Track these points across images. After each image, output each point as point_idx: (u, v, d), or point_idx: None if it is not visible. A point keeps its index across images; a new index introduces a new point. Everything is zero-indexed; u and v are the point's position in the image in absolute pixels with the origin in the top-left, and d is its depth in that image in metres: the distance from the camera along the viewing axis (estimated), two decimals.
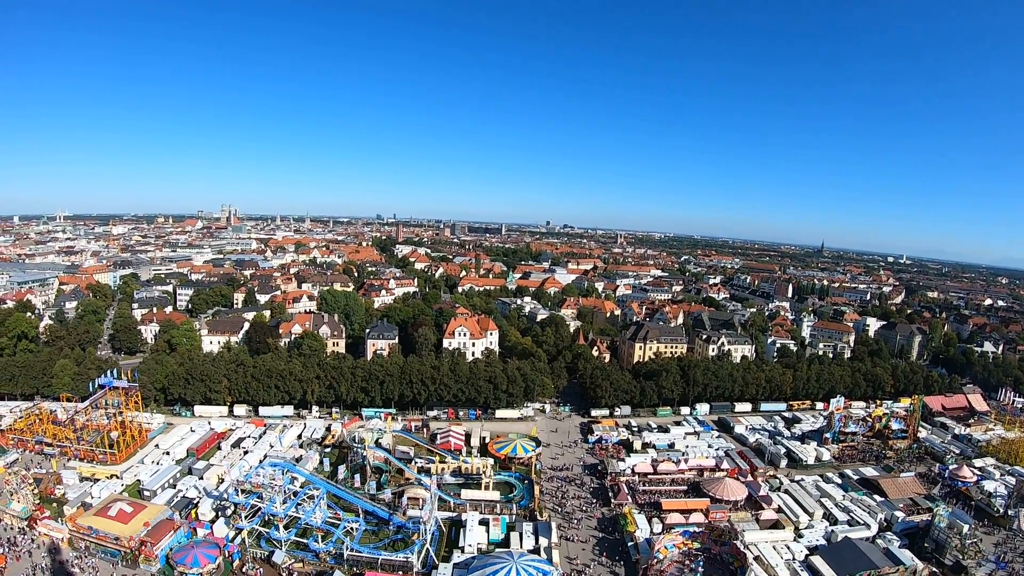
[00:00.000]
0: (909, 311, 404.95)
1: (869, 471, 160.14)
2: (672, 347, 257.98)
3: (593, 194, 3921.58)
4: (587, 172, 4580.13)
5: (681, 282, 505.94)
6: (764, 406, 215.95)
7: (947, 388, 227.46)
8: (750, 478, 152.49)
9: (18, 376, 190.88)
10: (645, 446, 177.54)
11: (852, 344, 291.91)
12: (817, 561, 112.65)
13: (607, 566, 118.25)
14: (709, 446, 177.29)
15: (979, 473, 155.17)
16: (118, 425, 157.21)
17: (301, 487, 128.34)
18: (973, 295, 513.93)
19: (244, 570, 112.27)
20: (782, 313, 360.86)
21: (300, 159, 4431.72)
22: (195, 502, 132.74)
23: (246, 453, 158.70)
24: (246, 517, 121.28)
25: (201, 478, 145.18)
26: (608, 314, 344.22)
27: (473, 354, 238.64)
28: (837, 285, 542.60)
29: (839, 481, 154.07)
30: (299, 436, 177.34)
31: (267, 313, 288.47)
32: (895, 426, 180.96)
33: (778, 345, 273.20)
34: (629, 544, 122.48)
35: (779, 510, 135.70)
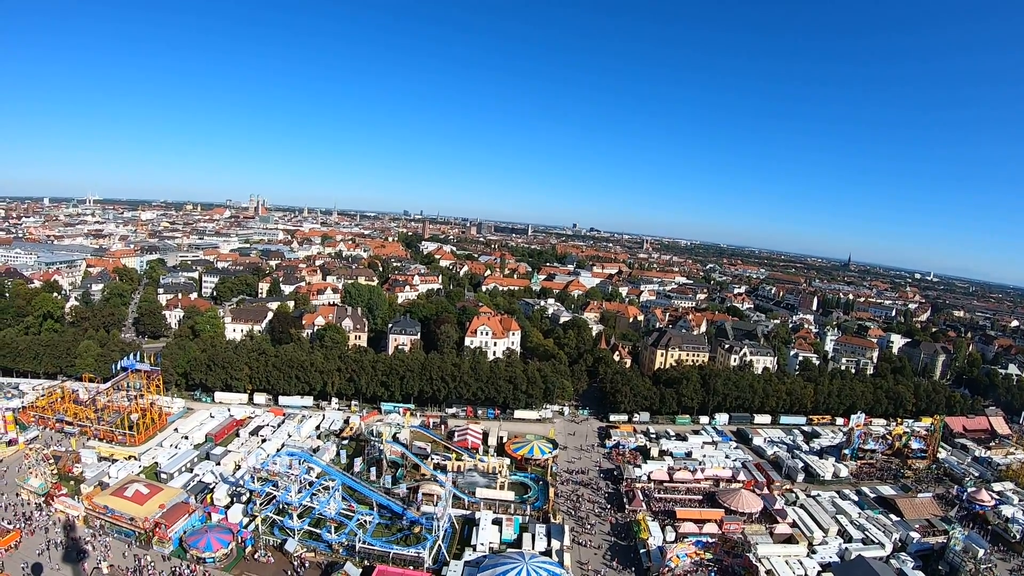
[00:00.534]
0: (934, 329, 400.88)
1: (886, 490, 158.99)
2: (694, 355, 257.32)
3: (620, 198, 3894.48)
4: (615, 176, 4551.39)
5: (705, 290, 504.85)
6: (784, 419, 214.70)
7: (969, 409, 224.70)
8: (766, 491, 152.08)
9: (42, 355, 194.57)
10: (662, 453, 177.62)
11: (875, 360, 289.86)
12: None
13: (618, 572, 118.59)
14: (726, 456, 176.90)
15: (997, 497, 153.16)
16: (138, 407, 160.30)
17: (317, 477, 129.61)
18: (1000, 316, 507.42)
19: (256, 557, 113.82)
20: (806, 326, 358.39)
21: (329, 153, 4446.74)
22: (211, 487, 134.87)
23: (264, 441, 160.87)
24: (261, 504, 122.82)
25: (218, 464, 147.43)
26: (631, 319, 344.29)
27: (494, 353, 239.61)
28: (862, 300, 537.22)
29: (855, 498, 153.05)
30: (317, 427, 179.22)
31: (291, 304, 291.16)
32: (915, 445, 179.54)
33: (800, 358, 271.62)
34: (641, 551, 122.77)
35: (794, 525, 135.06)
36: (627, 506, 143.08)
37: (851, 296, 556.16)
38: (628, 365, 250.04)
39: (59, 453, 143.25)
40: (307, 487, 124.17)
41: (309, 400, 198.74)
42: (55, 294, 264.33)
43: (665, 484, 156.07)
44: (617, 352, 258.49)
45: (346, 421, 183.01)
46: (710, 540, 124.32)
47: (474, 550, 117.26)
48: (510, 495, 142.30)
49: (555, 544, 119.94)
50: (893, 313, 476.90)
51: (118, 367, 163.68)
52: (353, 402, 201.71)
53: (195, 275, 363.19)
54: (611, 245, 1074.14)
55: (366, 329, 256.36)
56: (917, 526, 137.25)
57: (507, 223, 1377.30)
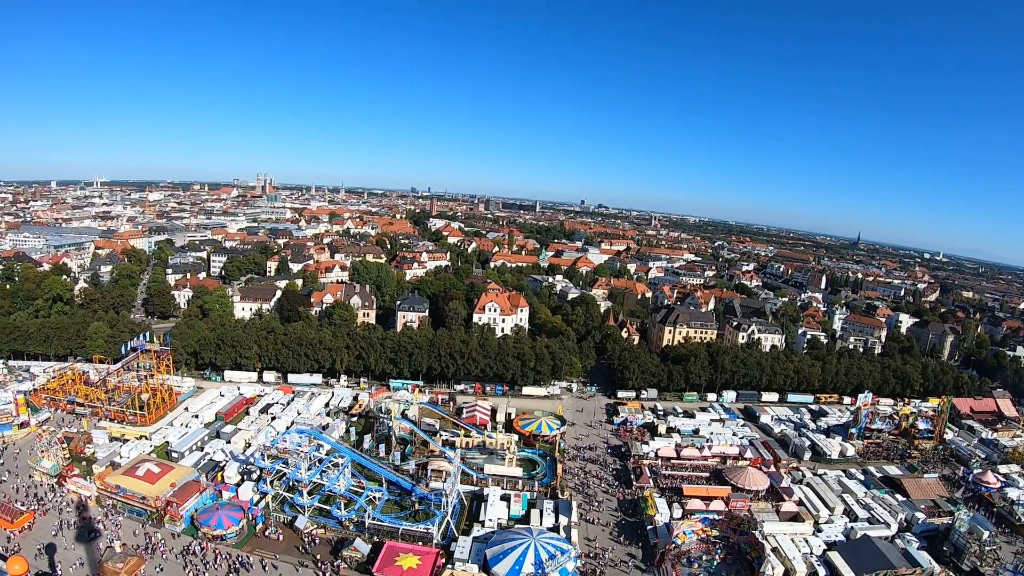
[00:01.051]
0: (943, 310, 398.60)
1: (892, 470, 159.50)
2: (702, 332, 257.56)
3: (629, 175, 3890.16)
4: (624, 153, 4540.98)
5: (714, 267, 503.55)
6: (791, 397, 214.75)
7: (977, 391, 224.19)
8: (773, 469, 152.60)
9: (52, 337, 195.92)
10: (670, 430, 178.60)
11: (883, 340, 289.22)
12: (834, 557, 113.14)
13: (625, 548, 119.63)
14: (734, 434, 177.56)
15: (1003, 480, 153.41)
16: (149, 387, 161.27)
17: (326, 455, 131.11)
18: (1009, 297, 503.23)
19: (267, 533, 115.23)
20: (814, 304, 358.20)
21: (336, 131, 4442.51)
22: (221, 465, 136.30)
23: (274, 419, 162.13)
24: (271, 482, 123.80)
25: (228, 442, 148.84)
26: (639, 296, 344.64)
27: (502, 330, 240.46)
28: (871, 279, 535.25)
29: (862, 478, 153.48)
30: (327, 404, 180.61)
31: (299, 282, 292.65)
32: (922, 426, 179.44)
33: (808, 336, 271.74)
34: (648, 527, 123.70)
35: (800, 503, 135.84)
36: (634, 483, 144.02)
37: (860, 275, 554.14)
38: (636, 342, 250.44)
39: (71, 434, 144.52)
40: (317, 464, 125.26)
41: (318, 378, 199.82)
42: (64, 277, 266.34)
43: (672, 461, 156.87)
44: (625, 329, 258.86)
45: (355, 398, 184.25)
46: (717, 517, 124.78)
47: (483, 526, 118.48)
48: (518, 471, 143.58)
49: (563, 520, 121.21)
50: (902, 293, 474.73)
51: (128, 348, 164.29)
52: (362, 379, 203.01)
53: (203, 255, 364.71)
54: (619, 222, 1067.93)
55: (374, 306, 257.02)
56: (923, 507, 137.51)
57: (515, 200, 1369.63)
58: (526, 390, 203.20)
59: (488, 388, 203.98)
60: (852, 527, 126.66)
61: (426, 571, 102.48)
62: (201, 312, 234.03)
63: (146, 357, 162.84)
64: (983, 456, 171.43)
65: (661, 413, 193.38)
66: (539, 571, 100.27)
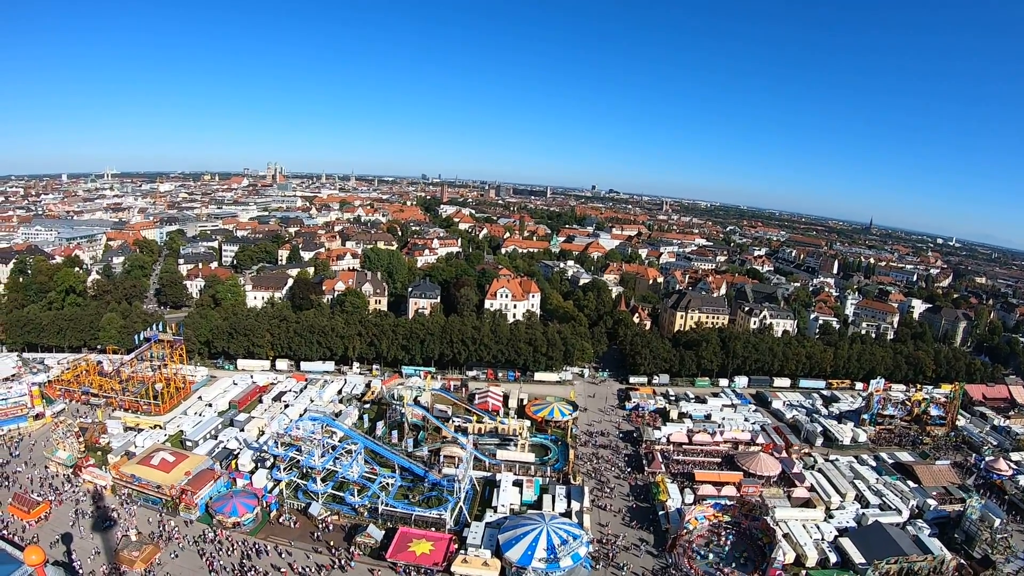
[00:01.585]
0: (955, 295, 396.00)
1: (904, 456, 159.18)
2: (713, 317, 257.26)
3: (639, 160, 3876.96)
4: (634, 138, 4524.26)
5: (725, 252, 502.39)
6: (803, 383, 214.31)
7: (989, 377, 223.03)
8: (784, 454, 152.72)
9: (66, 329, 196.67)
10: (681, 416, 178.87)
11: (896, 325, 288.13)
12: (846, 543, 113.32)
13: (637, 533, 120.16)
14: (745, 419, 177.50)
15: (1015, 467, 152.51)
16: (162, 377, 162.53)
17: (340, 441, 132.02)
18: (1022, 284, 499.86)
19: (281, 520, 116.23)
20: (826, 289, 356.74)
21: (346, 118, 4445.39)
22: (235, 453, 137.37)
23: (287, 407, 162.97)
24: (285, 469, 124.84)
25: (242, 430, 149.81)
26: (651, 281, 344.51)
27: (514, 316, 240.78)
28: (884, 264, 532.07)
29: (873, 464, 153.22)
30: (339, 391, 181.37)
31: (311, 270, 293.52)
32: (934, 412, 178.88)
33: (820, 322, 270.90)
34: (660, 513, 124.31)
35: (811, 489, 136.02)
36: (646, 468, 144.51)
37: (872, 260, 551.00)
38: (648, 327, 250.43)
39: (86, 425, 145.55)
40: (330, 451, 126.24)
41: (331, 365, 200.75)
42: (76, 269, 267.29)
43: (684, 446, 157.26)
44: (637, 314, 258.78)
45: (367, 385, 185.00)
46: (728, 503, 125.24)
47: (495, 511, 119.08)
48: (530, 457, 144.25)
49: (575, 505, 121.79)
50: (914, 278, 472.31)
51: (141, 338, 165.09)
52: (374, 366, 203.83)
53: (215, 244, 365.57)
54: (630, 207, 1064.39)
55: (386, 293, 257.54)
56: (934, 493, 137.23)
57: (526, 185, 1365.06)
58: (538, 376, 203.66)
59: (500, 374, 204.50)
60: (863, 513, 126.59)
61: (439, 556, 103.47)
62: (213, 301, 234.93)
63: (159, 347, 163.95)
64: (995, 443, 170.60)
65: (673, 398, 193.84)
66: (551, 556, 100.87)
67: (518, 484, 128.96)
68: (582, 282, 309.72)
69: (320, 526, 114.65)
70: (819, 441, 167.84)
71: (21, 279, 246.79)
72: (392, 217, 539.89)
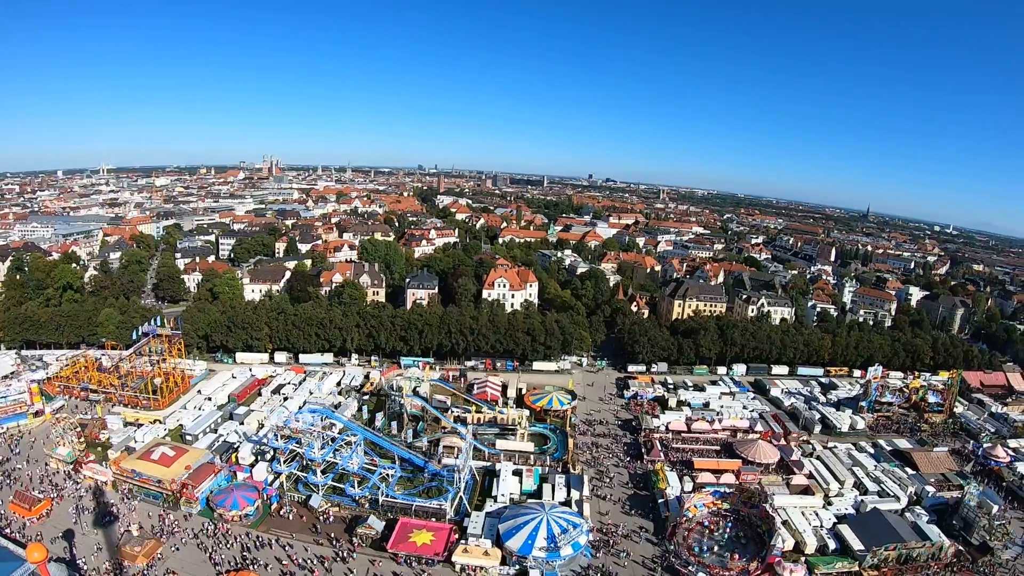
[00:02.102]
0: (953, 283, 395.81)
1: (903, 443, 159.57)
2: (711, 306, 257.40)
3: (636, 149, 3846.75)
4: (631, 127, 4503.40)
5: (723, 240, 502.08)
6: (801, 370, 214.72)
7: (987, 364, 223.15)
8: (783, 442, 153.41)
9: (64, 325, 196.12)
10: (680, 404, 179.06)
11: (893, 313, 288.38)
12: (844, 530, 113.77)
13: (637, 521, 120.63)
14: (744, 407, 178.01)
15: (1013, 454, 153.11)
16: (161, 372, 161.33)
17: (339, 433, 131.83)
18: (1019, 271, 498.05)
19: (282, 513, 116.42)
20: (824, 277, 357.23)
21: (341, 110, 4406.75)
22: (235, 446, 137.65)
23: (286, 399, 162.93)
24: (285, 462, 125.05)
25: (241, 423, 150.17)
26: (648, 270, 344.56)
27: (512, 305, 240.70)
28: (881, 252, 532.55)
29: (872, 451, 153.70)
30: (338, 383, 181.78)
31: (308, 262, 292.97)
32: (932, 399, 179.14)
33: (818, 309, 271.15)
34: (659, 501, 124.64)
35: (810, 476, 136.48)
36: (645, 456, 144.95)
37: (870, 247, 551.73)
38: (646, 316, 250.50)
39: (85, 421, 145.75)
40: (330, 443, 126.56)
41: (329, 357, 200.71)
42: (73, 265, 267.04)
43: (683, 434, 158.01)
44: (635, 303, 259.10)
45: (366, 377, 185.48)
46: (727, 490, 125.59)
47: (495, 501, 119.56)
48: (530, 446, 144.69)
49: (575, 494, 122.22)
50: (912, 265, 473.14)
51: (139, 333, 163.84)
52: (373, 358, 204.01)
53: (212, 238, 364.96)
54: (627, 195, 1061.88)
55: (384, 285, 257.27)
56: (932, 480, 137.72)
57: (522, 175, 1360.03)
58: (536, 365, 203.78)
59: (498, 364, 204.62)
60: (862, 500, 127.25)
61: (440, 547, 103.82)
62: (211, 295, 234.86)
63: (158, 342, 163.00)
64: (993, 430, 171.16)
65: (671, 387, 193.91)
66: (552, 545, 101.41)
67: (518, 473, 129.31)
68: (580, 271, 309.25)
69: (321, 518, 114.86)
70: (817, 428, 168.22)
71: (18, 276, 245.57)
72: (389, 208, 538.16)
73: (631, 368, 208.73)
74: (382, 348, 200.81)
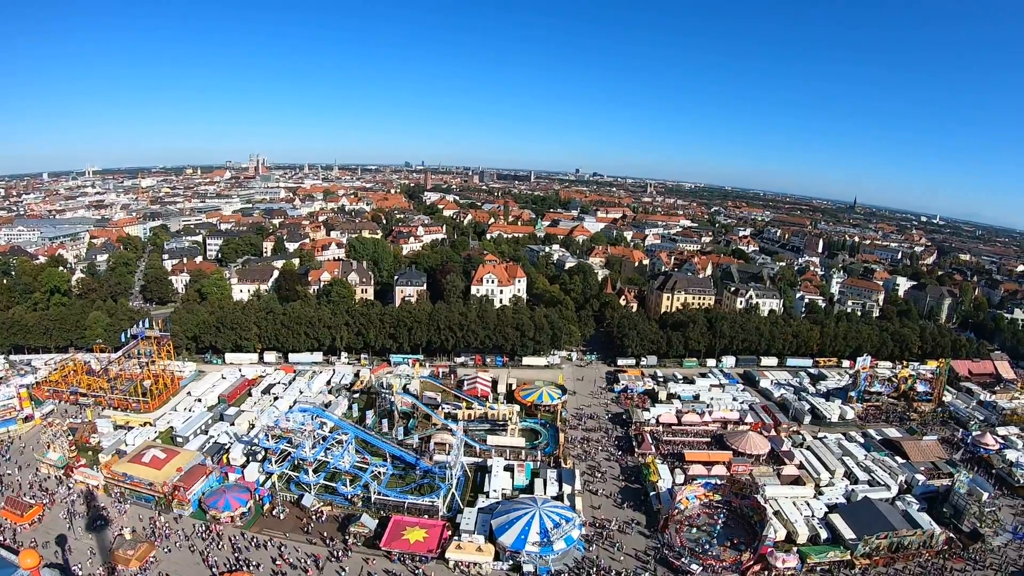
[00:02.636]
0: (940, 273, 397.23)
1: (892, 432, 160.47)
2: (700, 298, 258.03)
3: (623, 142, 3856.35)
4: (617, 120, 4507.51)
5: (710, 233, 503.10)
6: (790, 361, 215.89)
7: (975, 353, 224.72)
8: (773, 433, 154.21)
9: (52, 329, 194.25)
10: (670, 397, 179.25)
11: (881, 303, 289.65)
12: (836, 519, 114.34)
13: (629, 515, 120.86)
14: (734, 399, 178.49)
15: (1002, 441, 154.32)
16: (150, 374, 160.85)
17: (330, 432, 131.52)
18: (1006, 260, 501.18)
19: (274, 513, 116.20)
20: (811, 268, 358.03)
21: (327, 107, 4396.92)
22: (226, 447, 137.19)
23: (276, 399, 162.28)
24: (276, 461, 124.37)
25: (232, 424, 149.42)
26: (636, 263, 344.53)
27: (501, 301, 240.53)
28: (868, 242, 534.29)
29: (862, 440, 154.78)
30: (328, 382, 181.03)
31: (296, 261, 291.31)
32: (920, 388, 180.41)
33: (806, 301, 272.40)
34: (651, 494, 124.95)
35: (801, 466, 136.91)
36: (636, 449, 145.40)
37: (857, 238, 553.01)
38: (634, 309, 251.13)
39: (75, 425, 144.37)
40: (321, 442, 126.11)
41: (319, 356, 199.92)
42: (60, 268, 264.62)
43: (673, 427, 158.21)
44: (623, 296, 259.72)
45: (356, 375, 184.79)
46: (719, 482, 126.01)
47: (487, 497, 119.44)
48: (521, 441, 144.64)
49: (566, 488, 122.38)
50: (899, 256, 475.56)
51: (128, 335, 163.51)
52: (362, 356, 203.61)
53: (199, 239, 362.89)
54: (614, 189, 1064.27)
55: (372, 282, 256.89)
56: (922, 468, 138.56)
57: (509, 170, 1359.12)
58: (526, 360, 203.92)
59: (488, 360, 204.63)
60: (853, 489, 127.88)
61: (433, 543, 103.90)
62: (199, 296, 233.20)
63: (146, 344, 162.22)
64: (982, 418, 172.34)
65: (661, 379, 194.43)
66: (545, 539, 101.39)
67: (509, 469, 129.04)
68: (568, 266, 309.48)
69: (314, 517, 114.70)
70: (807, 419, 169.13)
71: (5, 280, 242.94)
72: (376, 206, 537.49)
73: (620, 362, 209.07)
74: (371, 346, 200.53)
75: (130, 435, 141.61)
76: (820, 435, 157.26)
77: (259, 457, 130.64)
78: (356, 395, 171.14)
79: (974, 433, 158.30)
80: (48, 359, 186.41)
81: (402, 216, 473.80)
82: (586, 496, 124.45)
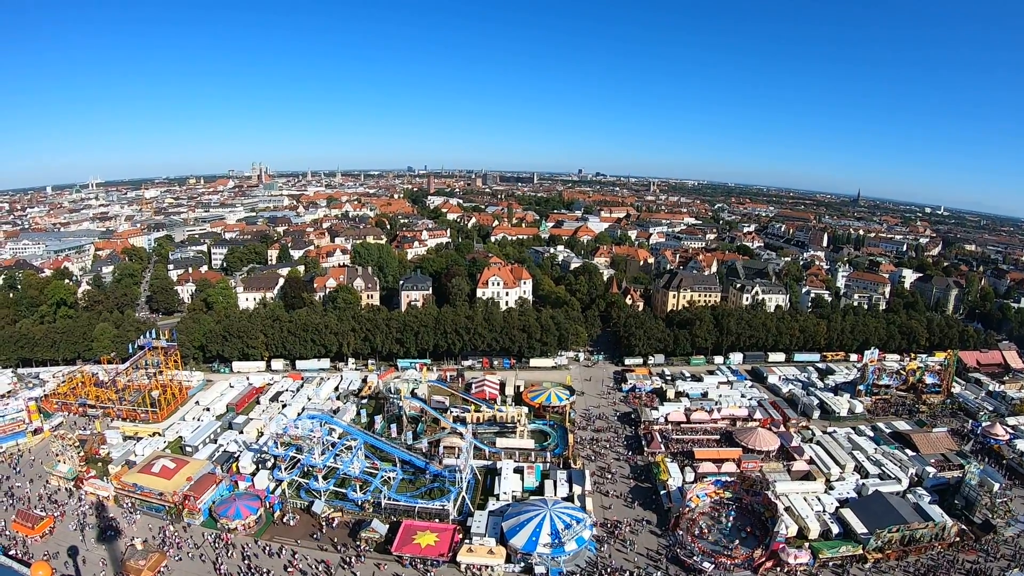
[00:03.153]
0: (946, 264, 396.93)
1: (901, 425, 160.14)
2: (706, 296, 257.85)
3: (625, 141, 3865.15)
4: (619, 119, 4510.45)
5: (715, 230, 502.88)
6: (798, 356, 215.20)
7: (982, 344, 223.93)
8: (782, 429, 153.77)
9: (59, 342, 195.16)
10: (678, 395, 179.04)
11: (887, 296, 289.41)
12: (847, 513, 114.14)
13: (639, 514, 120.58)
14: (742, 396, 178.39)
15: (1012, 431, 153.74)
16: (158, 384, 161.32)
17: (339, 438, 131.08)
18: (1011, 249, 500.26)
19: (285, 520, 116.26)
20: (817, 263, 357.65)
21: (329, 114, 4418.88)
22: (236, 456, 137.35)
23: (284, 406, 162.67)
24: (286, 469, 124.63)
25: (241, 432, 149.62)
26: (641, 262, 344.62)
27: (507, 303, 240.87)
28: (873, 235, 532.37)
29: (871, 434, 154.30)
30: (336, 388, 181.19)
31: (301, 268, 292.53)
32: (929, 380, 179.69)
33: (812, 295, 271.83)
34: (661, 492, 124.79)
35: (811, 461, 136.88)
36: (646, 448, 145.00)
37: (861, 231, 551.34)
38: (641, 308, 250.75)
39: (84, 436, 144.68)
40: (330, 448, 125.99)
41: (326, 362, 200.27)
42: (66, 281, 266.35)
43: (682, 425, 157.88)
44: (629, 296, 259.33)
45: (364, 380, 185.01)
46: (729, 479, 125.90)
47: (497, 499, 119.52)
48: (530, 443, 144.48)
49: (576, 489, 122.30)
50: (904, 248, 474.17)
51: (135, 346, 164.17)
52: (370, 361, 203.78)
53: (204, 248, 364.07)
54: (618, 189, 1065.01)
55: (378, 288, 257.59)
56: (933, 461, 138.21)
57: (512, 172, 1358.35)
58: (533, 362, 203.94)
59: (495, 362, 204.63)
60: (863, 483, 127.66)
61: (444, 547, 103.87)
62: (205, 305, 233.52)
63: (154, 354, 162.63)
64: (991, 408, 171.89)
65: (669, 378, 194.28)
66: (556, 541, 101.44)
67: (519, 471, 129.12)
68: (573, 266, 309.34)
69: (324, 523, 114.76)
70: (816, 414, 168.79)
71: (11, 294, 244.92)
72: (380, 211, 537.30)
73: (628, 361, 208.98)
74: (378, 351, 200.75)
75: (139, 445, 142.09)
76: (829, 430, 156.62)
77: (269, 465, 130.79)
78: (364, 401, 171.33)
79: (984, 424, 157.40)
80: (56, 372, 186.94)
81: (406, 221, 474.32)
82: (596, 496, 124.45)
